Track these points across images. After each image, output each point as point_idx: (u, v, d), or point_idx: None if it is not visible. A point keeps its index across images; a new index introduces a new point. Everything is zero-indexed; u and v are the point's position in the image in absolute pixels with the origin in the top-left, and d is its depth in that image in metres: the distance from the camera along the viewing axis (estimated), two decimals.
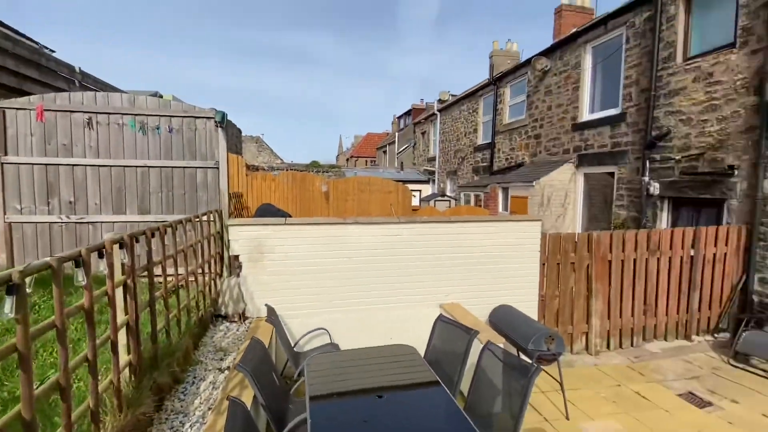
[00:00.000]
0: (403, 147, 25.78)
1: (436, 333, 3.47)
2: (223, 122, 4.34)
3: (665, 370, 4.58)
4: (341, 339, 4.03)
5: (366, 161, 39.39)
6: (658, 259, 5.27)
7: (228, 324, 3.95)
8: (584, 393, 4.05)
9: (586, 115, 8.97)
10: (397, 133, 28.34)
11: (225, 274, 4.16)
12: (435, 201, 13.94)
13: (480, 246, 4.57)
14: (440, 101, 18.18)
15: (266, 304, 3.92)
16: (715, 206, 6.19)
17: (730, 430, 3.45)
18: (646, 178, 7.13)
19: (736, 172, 5.76)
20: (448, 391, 2.56)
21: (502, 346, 3.12)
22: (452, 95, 19.40)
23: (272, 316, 3.73)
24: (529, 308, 4.67)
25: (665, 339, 5.36)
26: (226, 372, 2.95)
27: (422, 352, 3.34)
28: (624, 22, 7.79)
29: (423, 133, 21.00)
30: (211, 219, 3.98)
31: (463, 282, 4.54)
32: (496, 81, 12.70)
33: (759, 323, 5.14)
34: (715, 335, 5.54)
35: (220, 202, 4.33)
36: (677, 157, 6.66)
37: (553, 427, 3.44)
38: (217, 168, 4.36)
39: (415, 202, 16.06)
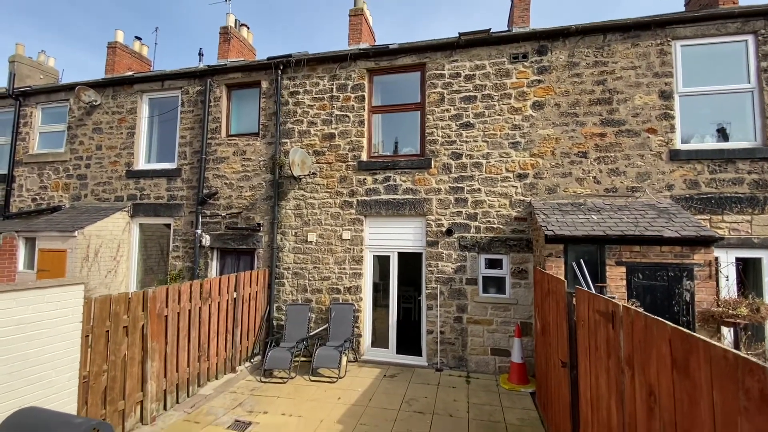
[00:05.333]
0: None
1: None
2: None
3: (216, 409, 5.04)
4: None
5: None
6: (210, 306, 5.86)
7: None
8: None
9: (142, 164, 8.71)
10: None
11: None
12: None
13: None
14: None
15: None
16: (250, 254, 7.83)
17: None
18: (199, 231, 7.87)
19: (261, 229, 7.64)
20: None
21: None
22: None
23: None
24: (67, 398, 3.65)
25: (216, 378, 5.94)
26: None
27: None
28: (180, 86, 8.47)
29: None
30: None
31: None
32: (19, 96, 9.63)
33: (277, 342, 6.91)
34: (252, 360, 6.84)
35: None
36: (223, 214, 7.89)
37: None
38: None
39: None
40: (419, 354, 6.85)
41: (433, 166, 6.84)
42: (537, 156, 6.47)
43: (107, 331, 4.22)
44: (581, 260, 5.30)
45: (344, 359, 6.35)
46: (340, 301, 7.14)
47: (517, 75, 6.66)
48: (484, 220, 6.60)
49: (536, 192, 6.43)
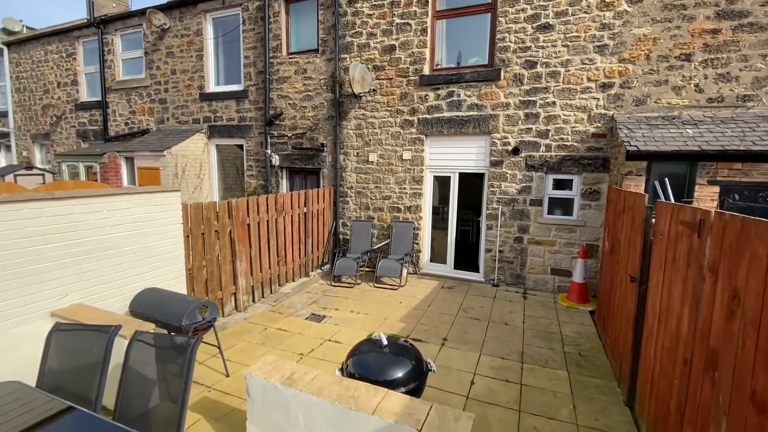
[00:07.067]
0: None
1: (53, 349, 2.60)
2: None
3: (295, 304, 5.80)
4: None
5: None
6: (284, 218, 6.42)
7: None
8: (239, 346, 4.43)
9: (212, 86, 9.11)
10: None
11: None
12: (16, 176, 9.81)
13: (108, 227, 3.74)
14: (6, 31, 12.48)
15: None
16: (315, 173, 8.22)
17: (335, 329, 4.92)
18: (269, 151, 8.33)
19: (325, 149, 7.86)
20: (86, 410, 2.04)
21: (152, 332, 2.82)
22: (28, 27, 13.86)
23: None
24: (178, 284, 4.42)
25: (293, 280, 6.74)
26: None
27: (33, 383, 2.45)
28: (239, 3, 8.37)
29: None
30: None
31: (87, 275, 3.59)
32: (99, 24, 10.22)
33: (344, 253, 7.50)
34: (322, 268, 7.58)
35: None
36: (289, 134, 8.19)
37: (217, 390, 3.55)
38: None
39: None
40: (476, 271, 7.06)
41: (502, 77, 6.31)
42: (627, 61, 5.64)
43: (202, 234, 4.87)
44: (665, 179, 4.84)
45: (404, 271, 6.78)
46: (401, 219, 7.39)
47: None
48: (556, 137, 6.13)
49: (621, 104, 5.73)
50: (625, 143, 4.87)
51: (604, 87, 5.79)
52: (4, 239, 3.04)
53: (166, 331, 3.72)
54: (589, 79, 5.85)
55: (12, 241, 3.09)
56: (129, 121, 10.28)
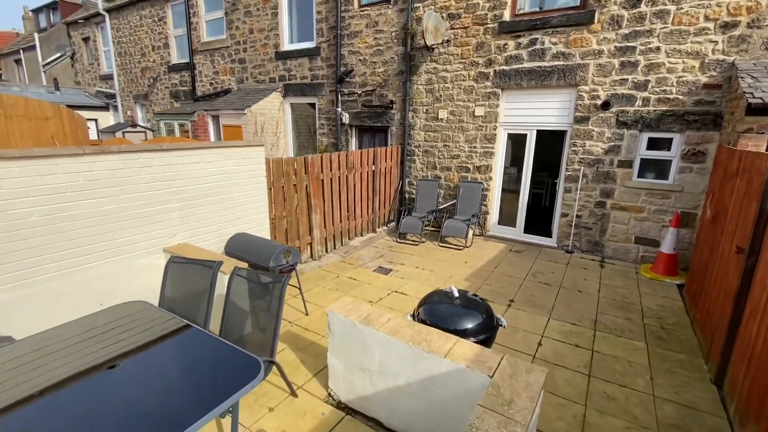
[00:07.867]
0: (55, 57, 18.39)
1: (170, 278, 3.06)
2: None
3: (364, 257, 6.09)
4: (21, 327, 2.87)
5: None
6: (354, 175, 6.61)
7: None
8: (315, 290, 4.83)
9: (287, 45, 9.31)
10: (37, 35, 19.63)
11: None
12: (124, 132, 11.19)
13: (204, 176, 4.17)
14: None
15: None
16: (384, 131, 8.23)
17: (401, 282, 5.12)
18: (339, 109, 8.45)
19: (394, 106, 7.78)
20: (201, 328, 2.41)
21: (247, 269, 3.16)
22: None
23: None
24: (263, 231, 4.86)
25: (362, 235, 7.03)
26: None
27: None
28: None
29: (86, 40, 15.60)
30: None
31: (189, 219, 4.10)
32: None
33: (409, 211, 7.59)
34: (387, 225, 7.78)
35: None
36: (359, 92, 8.20)
37: (298, 326, 3.96)
38: None
39: (92, 135, 12.37)
40: (548, 236, 6.75)
41: (596, 20, 5.58)
42: None
43: (282, 187, 5.23)
44: None
45: (470, 232, 6.70)
46: (469, 179, 7.21)
47: None
48: (657, 89, 5.39)
49: (746, 48, 4.81)
50: (747, 95, 4.14)
51: (726, 27, 4.87)
52: (126, 184, 3.56)
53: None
54: (707, 18, 4.95)
55: (132, 186, 3.60)
56: (213, 81, 11.01)
